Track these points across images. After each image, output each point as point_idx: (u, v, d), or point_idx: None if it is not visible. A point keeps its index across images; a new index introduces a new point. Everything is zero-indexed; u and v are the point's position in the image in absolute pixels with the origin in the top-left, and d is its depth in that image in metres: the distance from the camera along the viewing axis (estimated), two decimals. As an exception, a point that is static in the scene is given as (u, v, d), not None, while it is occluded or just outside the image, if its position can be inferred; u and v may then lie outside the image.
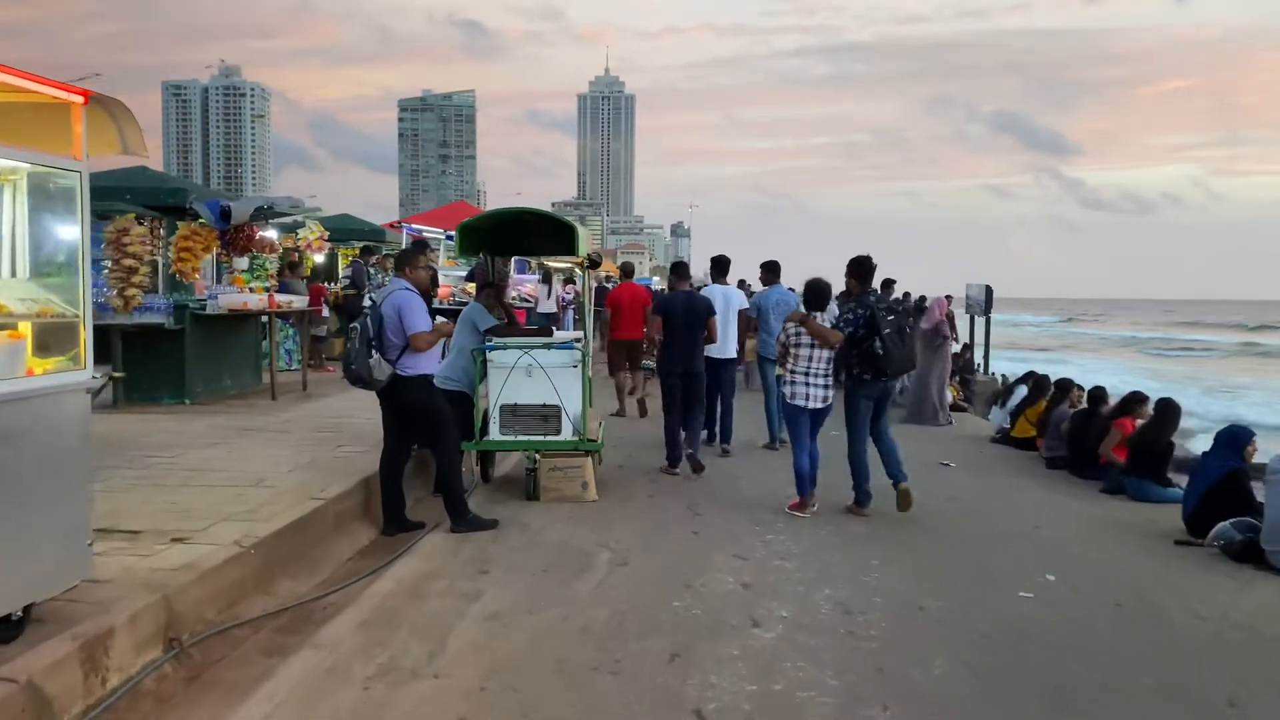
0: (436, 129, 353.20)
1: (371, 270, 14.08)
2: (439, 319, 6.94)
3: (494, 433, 7.63)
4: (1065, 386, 10.33)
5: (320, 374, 13.21)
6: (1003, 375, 22.11)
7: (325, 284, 14.81)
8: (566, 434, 7.59)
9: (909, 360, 7.44)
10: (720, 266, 10.26)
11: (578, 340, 7.78)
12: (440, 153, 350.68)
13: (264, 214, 10.87)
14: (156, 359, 10.33)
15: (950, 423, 13.17)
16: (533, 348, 7.51)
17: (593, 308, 8.11)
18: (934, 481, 9.05)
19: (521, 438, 7.63)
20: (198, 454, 7.68)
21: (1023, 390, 11.72)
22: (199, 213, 10.07)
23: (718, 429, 10.02)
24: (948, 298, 14.06)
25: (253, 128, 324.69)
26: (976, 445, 11.51)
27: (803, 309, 7.49)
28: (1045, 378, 11.49)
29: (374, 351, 6.42)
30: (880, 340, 6.98)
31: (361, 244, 15.80)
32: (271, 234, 11.37)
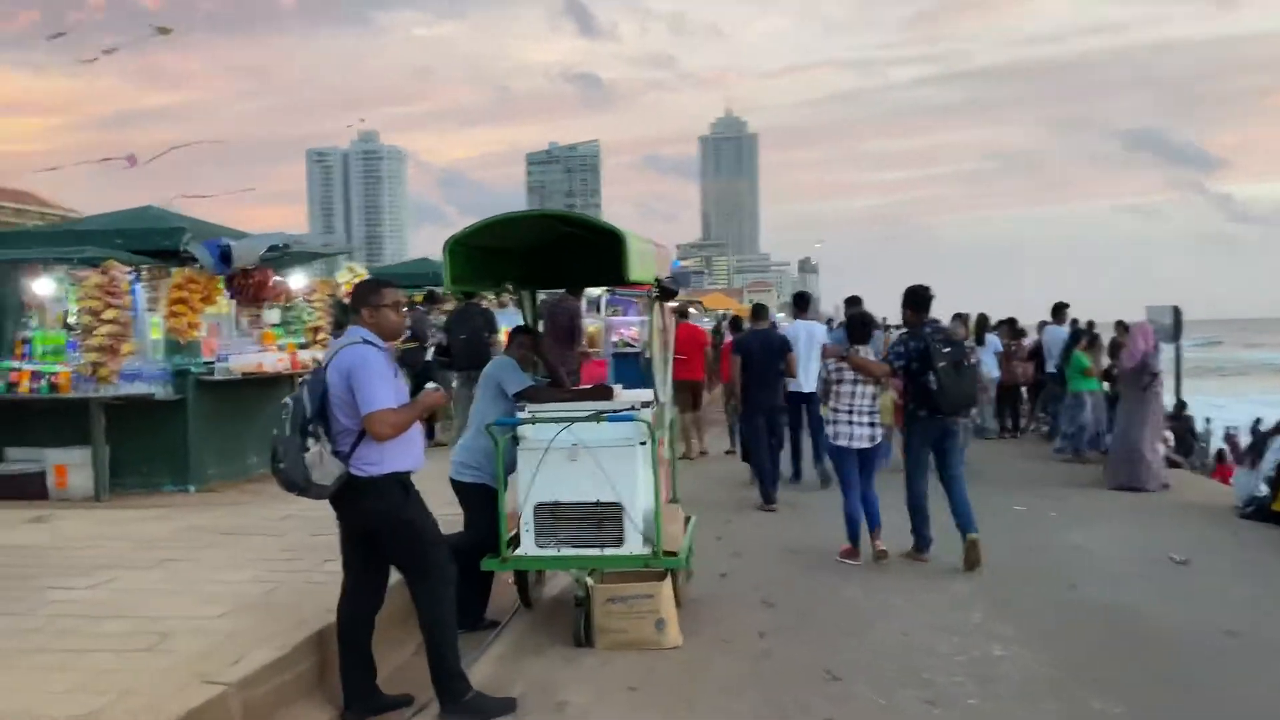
0: (563, 180, 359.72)
1: (435, 320, 12.05)
2: (428, 385, 4.59)
3: (527, 544, 5.21)
4: (1368, 443, 7.17)
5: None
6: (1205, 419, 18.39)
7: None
8: (632, 545, 5.11)
9: (968, 396, 6.91)
10: (801, 303, 10.72)
11: (645, 404, 5.31)
12: (566, 202, 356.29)
13: (285, 256, 8.90)
14: (154, 436, 8.41)
15: (1167, 485, 10.03)
16: (576, 419, 5.07)
17: (668, 355, 5.57)
18: (1185, 590, 6.12)
19: (566, 552, 5.17)
20: (130, 579, 5.54)
21: (1280, 444, 8.55)
22: (196, 256, 8.14)
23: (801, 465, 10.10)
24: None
25: (390, 191, 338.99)
26: (1220, 522, 8.40)
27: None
28: (1318, 428, 8.31)
29: (313, 440, 4.13)
30: (934, 374, 6.51)
31: (427, 289, 13.84)
32: (298, 279, 9.39)
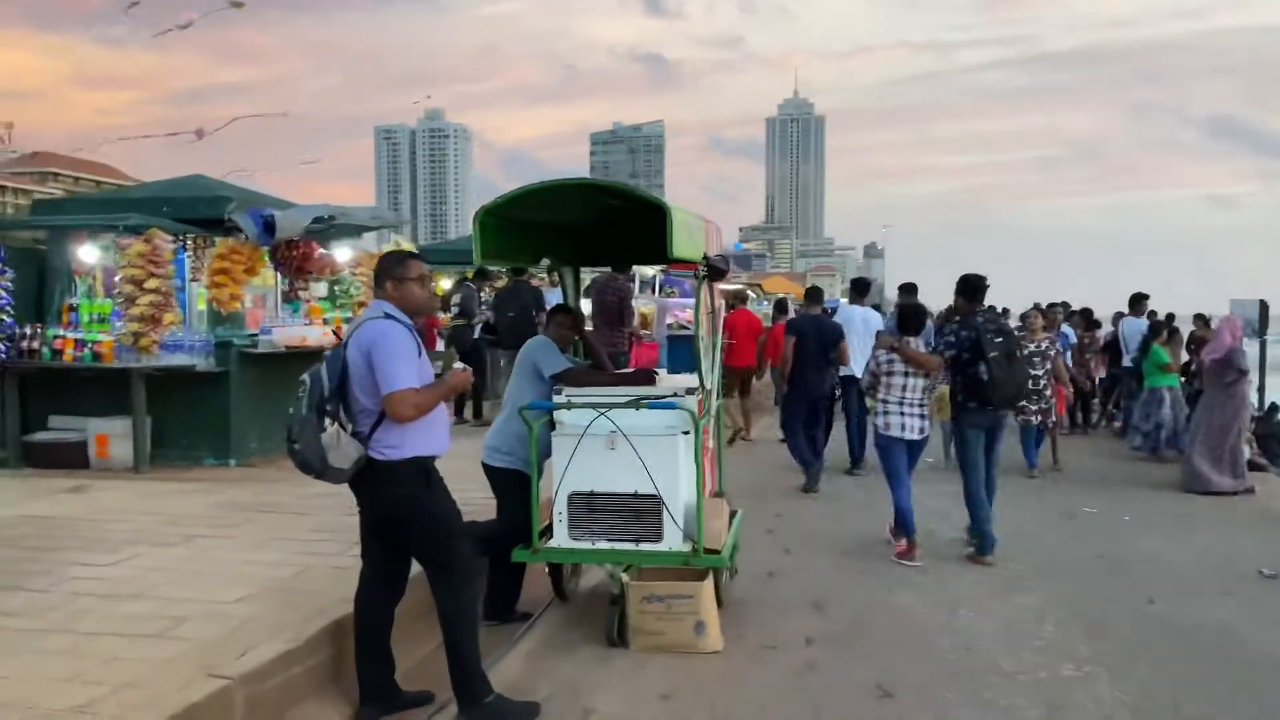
0: (626, 160, 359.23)
1: (484, 296, 11.81)
2: (456, 365, 4.31)
3: (560, 535, 4.92)
4: None
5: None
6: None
7: (441, 314, 12.65)
8: (671, 541, 4.78)
9: (1019, 387, 6.84)
10: (860, 288, 10.64)
11: (690, 391, 4.96)
12: (630, 182, 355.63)
13: (331, 228, 8.70)
14: (196, 408, 8.31)
15: (1250, 489, 9.39)
16: (614, 405, 4.75)
17: (717, 339, 5.24)
18: (1276, 608, 5.59)
19: (601, 546, 4.86)
20: (156, 556, 5.38)
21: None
22: (240, 226, 7.98)
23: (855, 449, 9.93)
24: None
25: (456, 169, 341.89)
26: (1311, 532, 7.79)
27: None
28: None
29: (330, 420, 3.87)
30: (985, 365, 6.36)
31: (479, 265, 13.60)
32: (344, 251, 9.20)
